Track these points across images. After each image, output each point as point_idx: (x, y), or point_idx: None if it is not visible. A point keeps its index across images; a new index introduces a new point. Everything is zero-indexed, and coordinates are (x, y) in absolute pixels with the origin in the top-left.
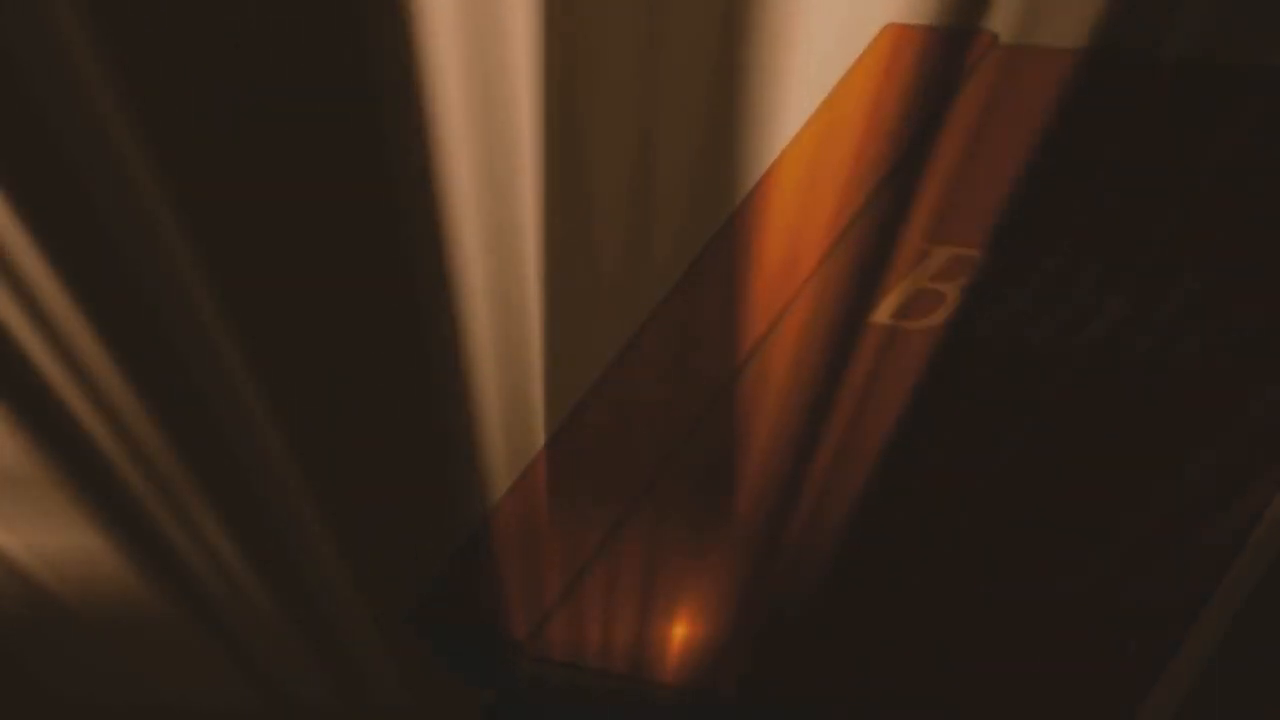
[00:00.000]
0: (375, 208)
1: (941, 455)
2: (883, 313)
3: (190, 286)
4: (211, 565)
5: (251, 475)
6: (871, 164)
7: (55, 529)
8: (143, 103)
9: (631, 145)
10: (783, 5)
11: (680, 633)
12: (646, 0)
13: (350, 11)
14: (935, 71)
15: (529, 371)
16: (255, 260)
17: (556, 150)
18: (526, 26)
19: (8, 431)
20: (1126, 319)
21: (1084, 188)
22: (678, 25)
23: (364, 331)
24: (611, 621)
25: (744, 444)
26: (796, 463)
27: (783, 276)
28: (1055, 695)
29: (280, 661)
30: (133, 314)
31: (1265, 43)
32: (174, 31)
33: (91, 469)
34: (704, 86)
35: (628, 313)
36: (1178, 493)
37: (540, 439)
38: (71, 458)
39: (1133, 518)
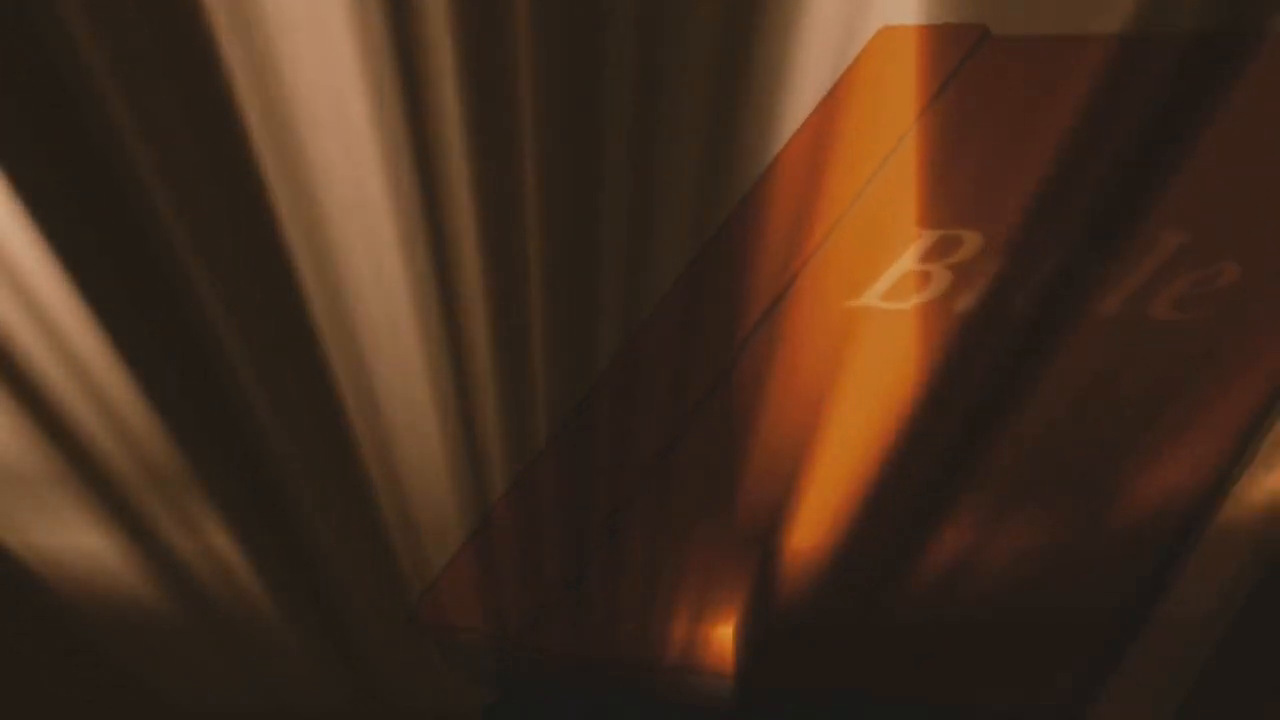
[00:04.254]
0: (381, 203)
1: (930, 430)
2: (871, 296)
3: (191, 286)
4: (212, 566)
5: (251, 475)
6: (866, 159)
7: (55, 529)
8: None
9: (632, 146)
10: (782, 7)
11: (681, 631)
12: (651, 3)
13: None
14: (927, 69)
15: (529, 370)
16: (255, 259)
17: (561, 150)
18: (528, 29)
19: (8, 431)
20: (1101, 281)
21: (1065, 162)
22: (681, 30)
23: (364, 330)
24: (612, 621)
25: (740, 436)
26: (795, 457)
27: (779, 270)
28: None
29: (281, 662)
30: (133, 313)
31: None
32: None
33: (91, 469)
34: (705, 88)
35: (628, 312)
36: (1157, 448)
37: (540, 438)
38: (71, 458)
39: (1114, 476)
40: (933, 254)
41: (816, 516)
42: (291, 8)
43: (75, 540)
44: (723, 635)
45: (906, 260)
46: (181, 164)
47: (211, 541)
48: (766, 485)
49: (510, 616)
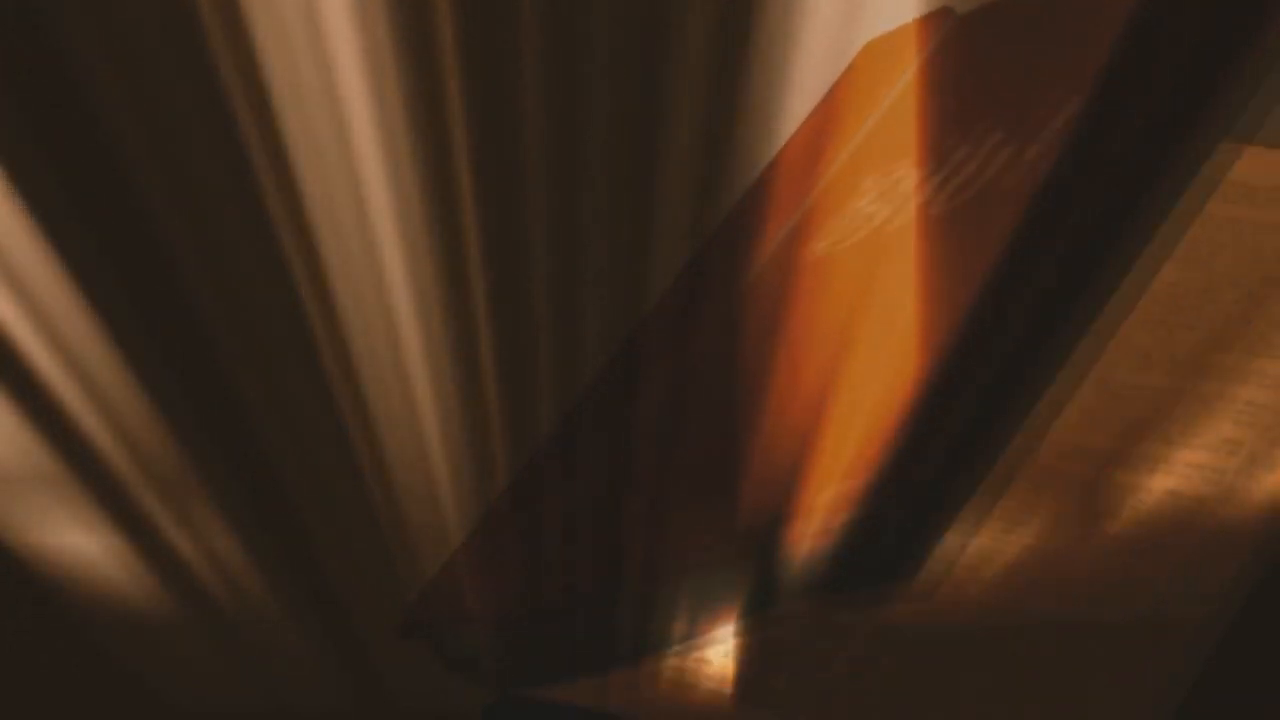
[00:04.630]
0: (381, 200)
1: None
2: (820, 243)
3: (191, 286)
4: (212, 566)
5: (252, 476)
6: (845, 150)
7: (55, 529)
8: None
9: (635, 149)
10: (781, 17)
11: (681, 628)
12: (659, 21)
13: None
14: (901, 63)
15: (528, 369)
16: (255, 259)
17: (566, 149)
18: (531, 34)
19: (8, 431)
20: (1007, 163)
21: (1002, 93)
22: (681, 36)
23: (364, 330)
24: (612, 617)
25: (735, 427)
26: (792, 443)
27: (769, 264)
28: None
29: (281, 662)
30: (133, 313)
31: None
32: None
33: (91, 469)
34: (704, 97)
35: (627, 310)
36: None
37: (539, 437)
38: (71, 458)
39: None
40: (881, 196)
41: (817, 502)
42: (292, 7)
43: (75, 540)
44: (722, 633)
45: (851, 204)
46: (182, 164)
47: (212, 542)
48: (766, 475)
49: (509, 614)
